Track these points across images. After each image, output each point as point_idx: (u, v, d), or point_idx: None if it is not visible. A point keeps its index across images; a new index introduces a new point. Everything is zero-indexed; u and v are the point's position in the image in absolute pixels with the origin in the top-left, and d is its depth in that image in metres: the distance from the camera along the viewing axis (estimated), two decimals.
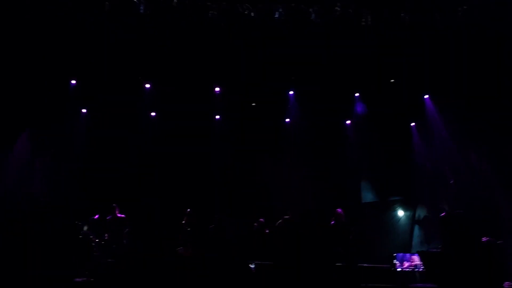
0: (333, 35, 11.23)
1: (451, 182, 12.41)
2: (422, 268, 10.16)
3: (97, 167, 12.81)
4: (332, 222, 11.16)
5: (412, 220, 13.12)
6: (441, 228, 11.29)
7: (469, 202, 11.49)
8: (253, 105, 13.83)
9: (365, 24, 10.98)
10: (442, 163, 12.65)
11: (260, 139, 13.84)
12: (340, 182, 13.70)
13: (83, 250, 10.38)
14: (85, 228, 11.40)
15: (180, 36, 11.44)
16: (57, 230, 9.91)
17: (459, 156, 12.16)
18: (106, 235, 11.03)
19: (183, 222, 11.42)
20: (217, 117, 14.12)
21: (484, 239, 9.92)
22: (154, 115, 13.80)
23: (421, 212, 13.09)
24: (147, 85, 12.94)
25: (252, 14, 10.66)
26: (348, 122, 14.39)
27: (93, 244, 10.79)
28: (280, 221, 11.10)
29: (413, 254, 10.60)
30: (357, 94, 13.62)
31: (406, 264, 10.33)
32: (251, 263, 9.78)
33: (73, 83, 12.43)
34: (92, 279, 8.96)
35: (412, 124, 13.78)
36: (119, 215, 11.31)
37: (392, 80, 12.73)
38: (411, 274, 10.23)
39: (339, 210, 11.20)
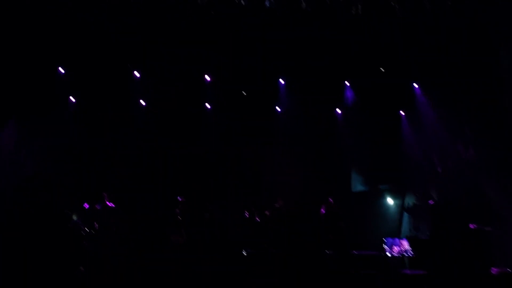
0: (323, 23, 11.20)
1: (439, 170, 12.54)
2: (411, 254, 10.29)
3: (86, 156, 12.74)
4: (322, 211, 11.28)
5: (401, 208, 13.22)
6: (430, 216, 11.46)
7: (457, 190, 11.63)
8: (244, 94, 13.78)
9: (355, 13, 10.95)
10: (430, 151, 12.74)
11: (250, 128, 13.82)
12: (330, 171, 13.74)
13: (73, 240, 10.36)
14: (75, 217, 11.35)
15: (170, 25, 11.34)
16: (46, 219, 9.91)
17: (447, 144, 12.25)
18: (95, 224, 11.01)
19: (177, 210, 11.46)
20: (208, 106, 14.08)
21: (471, 226, 10.08)
22: (144, 104, 13.72)
23: (410, 200, 13.17)
24: (136, 74, 12.84)
25: (243, 2, 10.58)
26: (338, 110, 14.41)
27: (83, 233, 10.76)
28: (271, 209, 11.24)
29: (402, 239, 10.70)
30: (347, 83, 13.63)
31: (395, 249, 10.45)
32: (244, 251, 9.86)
33: (61, 71, 12.31)
34: (81, 269, 8.96)
35: (402, 112, 13.84)
36: (108, 203, 11.30)
37: (381, 69, 12.73)
38: (400, 259, 10.33)
39: (329, 199, 11.33)
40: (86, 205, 11.24)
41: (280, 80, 13.53)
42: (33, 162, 12.06)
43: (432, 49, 11.67)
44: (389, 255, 10.42)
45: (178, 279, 8.68)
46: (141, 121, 13.33)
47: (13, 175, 11.55)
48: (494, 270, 9.05)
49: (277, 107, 14.25)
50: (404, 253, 10.37)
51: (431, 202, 11.93)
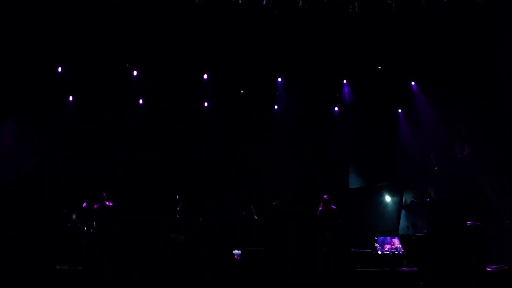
0: (320, 22, 11.21)
1: (435, 168, 12.58)
2: (402, 251, 10.36)
3: (84, 155, 12.77)
4: (320, 208, 11.32)
5: (399, 205, 13.28)
6: (427, 213, 11.49)
7: (454, 187, 11.68)
8: (241, 92, 13.80)
9: (353, 11, 10.96)
10: (428, 148, 12.78)
11: (249, 127, 13.86)
12: (328, 168, 13.78)
13: (71, 238, 10.39)
14: (74, 216, 11.39)
15: (170, 25, 11.35)
16: (44, 218, 9.92)
17: (444, 142, 12.30)
18: (94, 223, 11.04)
19: (176, 209, 11.50)
20: (206, 104, 14.10)
21: (469, 223, 10.11)
22: (142, 103, 13.74)
23: (408, 197, 13.24)
24: (136, 73, 12.86)
25: (240, 1, 10.59)
26: (336, 108, 14.45)
27: (81, 232, 10.80)
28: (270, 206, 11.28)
29: (393, 237, 10.76)
30: (344, 81, 13.65)
31: (387, 247, 10.52)
32: (237, 250, 9.87)
33: (60, 70, 12.31)
34: (78, 267, 8.97)
35: (399, 110, 13.88)
36: (107, 203, 11.32)
37: (379, 67, 12.75)
38: (391, 256, 10.39)
39: (325, 196, 11.37)
40: (85, 204, 11.27)
41: (278, 79, 13.55)
42: (31, 161, 12.07)
43: (430, 48, 11.70)
44: (380, 253, 10.50)
45: (177, 279, 8.70)
46: (141, 121, 13.37)
47: (11, 173, 11.57)
48: (490, 267, 9.09)
49: (275, 106, 14.29)
50: (395, 251, 10.44)
51: (428, 199, 11.99)
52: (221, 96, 13.56)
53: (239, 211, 12.02)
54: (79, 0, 10.32)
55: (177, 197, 11.92)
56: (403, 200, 13.22)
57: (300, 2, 10.62)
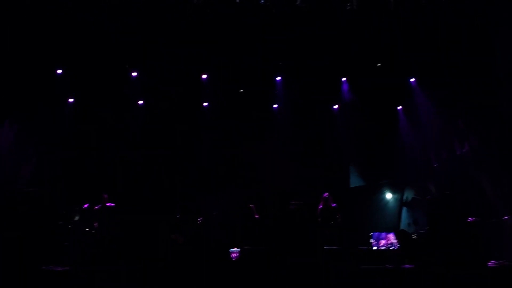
0: (319, 20, 11.23)
1: (435, 165, 12.60)
2: (398, 246, 10.36)
3: (84, 156, 12.78)
4: (320, 206, 11.32)
5: (400, 202, 13.30)
6: (428, 210, 11.52)
7: (453, 184, 11.70)
8: (241, 92, 13.82)
9: (351, 8, 10.98)
10: (428, 145, 12.80)
11: (248, 126, 13.88)
12: (328, 167, 13.79)
13: (65, 239, 10.41)
14: (76, 218, 11.41)
15: (168, 24, 11.37)
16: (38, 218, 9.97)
17: (444, 139, 12.32)
18: (95, 224, 11.05)
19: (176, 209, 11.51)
20: (205, 104, 14.12)
21: (470, 219, 10.13)
22: (142, 103, 13.76)
23: (408, 195, 13.26)
24: (135, 74, 12.88)
25: (238, 0, 10.62)
26: (335, 106, 14.46)
27: (83, 233, 10.81)
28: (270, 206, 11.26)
29: (388, 232, 10.76)
30: (344, 79, 13.67)
31: (382, 242, 10.52)
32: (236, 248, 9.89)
33: (59, 72, 12.32)
34: (72, 268, 8.98)
35: (399, 107, 13.90)
36: (108, 204, 11.33)
37: (378, 64, 12.77)
38: (389, 253, 10.38)
39: (325, 194, 11.37)
40: (86, 205, 11.28)
41: (278, 78, 13.57)
42: (31, 161, 12.08)
43: (429, 47, 11.72)
44: (375, 248, 10.50)
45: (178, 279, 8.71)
46: (141, 121, 13.39)
47: (11, 174, 11.57)
48: (491, 263, 9.10)
49: (274, 105, 14.30)
50: (390, 246, 10.45)
51: (429, 196, 12.01)
52: (220, 96, 13.58)
53: (239, 210, 12.03)
54: (79, 0, 10.33)
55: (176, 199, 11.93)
56: (404, 197, 13.24)
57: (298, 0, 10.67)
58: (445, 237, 9.91)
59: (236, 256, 9.99)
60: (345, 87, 13.66)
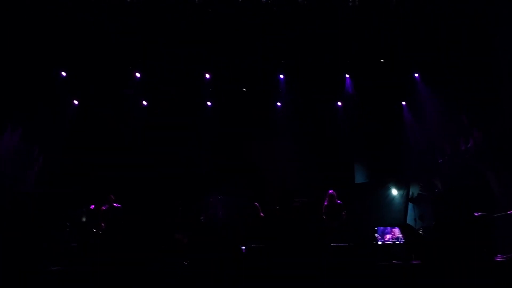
0: (321, 16, 11.19)
1: (440, 161, 12.52)
2: (403, 241, 10.31)
3: (89, 158, 12.83)
4: (325, 203, 11.27)
5: (406, 198, 13.20)
6: (434, 205, 11.45)
7: (458, 179, 11.62)
8: (244, 90, 13.82)
9: (353, 5, 10.94)
10: (432, 141, 12.71)
11: (252, 124, 13.88)
12: (333, 164, 13.74)
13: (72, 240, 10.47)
14: (83, 219, 11.48)
15: (168, 24, 11.39)
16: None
17: (448, 134, 12.24)
18: (102, 224, 11.10)
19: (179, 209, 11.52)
20: (209, 103, 14.14)
21: (476, 214, 10.04)
22: (145, 104, 13.81)
23: (414, 190, 13.18)
24: (138, 75, 12.92)
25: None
26: (339, 103, 14.42)
27: (91, 234, 10.86)
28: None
29: (393, 227, 10.72)
30: (347, 75, 13.61)
31: (387, 236, 10.48)
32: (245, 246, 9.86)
33: (64, 75, 12.39)
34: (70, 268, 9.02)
35: (403, 103, 13.82)
36: (115, 204, 11.38)
37: (381, 60, 12.71)
38: (392, 246, 10.32)
39: (331, 191, 11.31)
40: (92, 206, 11.34)
41: (280, 75, 13.54)
42: (36, 164, 12.17)
43: (429, 43, 11.65)
44: (381, 243, 10.46)
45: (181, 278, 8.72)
46: (142, 120, 13.43)
47: (17, 177, 11.67)
48: (499, 257, 9.03)
49: (278, 103, 14.29)
50: (396, 241, 10.40)
51: (436, 191, 11.93)
52: (223, 95, 13.60)
53: (244, 208, 12.01)
54: (79, 0, 10.36)
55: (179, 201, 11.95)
56: (410, 193, 13.15)
57: None
58: (451, 231, 9.83)
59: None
60: (348, 83, 13.62)
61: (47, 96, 12.17)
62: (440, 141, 12.57)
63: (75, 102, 13.17)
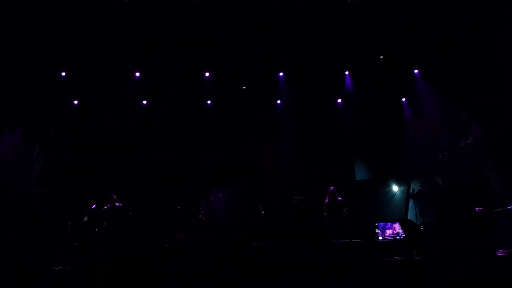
0: (319, 13, 11.21)
1: (440, 157, 12.53)
2: (403, 236, 10.33)
3: (89, 158, 12.85)
4: (326, 200, 11.30)
5: (407, 194, 13.22)
6: (435, 200, 11.46)
7: (458, 175, 11.63)
8: (244, 89, 13.84)
9: (351, 1, 10.96)
10: (432, 137, 12.73)
11: (252, 122, 13.90)
12: (333, 161, 13.76)
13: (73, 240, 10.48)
14: (85, 218, 11.49)
15: (168, 24, 11.41)
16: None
17: (448, 130, 12.26)
18: (105, 224, 11.12)
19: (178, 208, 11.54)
20: (209, 102, 14.16)
21: (477, 209, 10.07)
22: (146, 103, 13.83)
23: (415, 187, 13.18)
24: (137, 74, 12.94)
25: None
26: (339, 100, 14.44)
27: (92, 233, 10.87)
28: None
29: (394, 223, 10.74)
30: (347, 72, 13.64)
31: (387, 232, 10.50)
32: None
33: (59, 71, 12.39)
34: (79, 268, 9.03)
35: (403, 99, 13.84)
36: (117, 204, 11.40)
37: (381, 57, 12.73)
38: (393, 242, 10.34)
39: (331, 188, 11.34)
40: (94, 206, 11.36)
41: (280, 73, 13.57)
42: (36, 164, 12.19)
43: (431, 39, 11.67)
44: (381, 238, 10.47)
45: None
46: (142, 120, 13.45)
47: (16, 177, 11.67)
48: (501, 252, 9.04)
49: (278, 101, 14.31)
50: (396, 236, 10.42)
51: (436, 187, 11.94)
52: (223, 95, 13.63)
53: (245, 207, 12.02)
54: (79, 0, 10.38)
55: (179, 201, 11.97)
56: (411, 189, 13.17)
57: None
58: (453, 227, 9.85)
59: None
60: (348, 80, 13.64)
61: (47, 96, 12.17)
62: (440, 138, 12.58)
63: (75, 102, 13.18)
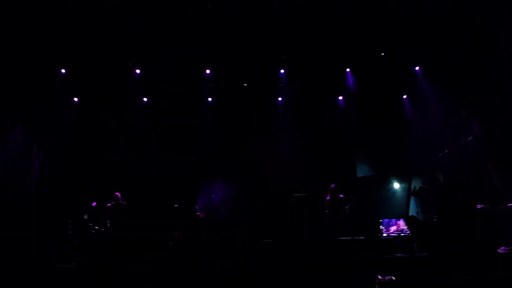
0: (320, 11, 11.20)
1: (440, 155, 12.52)
2: (408, 233, 10.33)
3: (89, 157, 12.90)
4: (328, 198, 11.29)
5: (408, 191, 13.24)
6: (436, 197, 11.46)
7: (459, 172, 11.63)
8: (245, 86, 13.85)
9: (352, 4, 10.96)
10: (433, 134, 12.72)
11: (253, 119, 13.92)
12: (335, 158, 13.77)
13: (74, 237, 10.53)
14: (85, 216, 11.55)
15: (168, 24, 11.41)
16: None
17: (448, 127, 12.25)
18: (108, 222, 11.16)
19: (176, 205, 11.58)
20: (209, 99, 14.18)
21: (479, 206, 10.07)
22: (146, 101, 13.85)
23: (416, 184, 13.20)
24: (137, 72, 12.97)
25: None
26: (340, 97, 14.43)
27: (93, 231, 10.92)
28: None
29: (398, 219, 10.74)
30: (348, 69, 13.63)
31: (392, 228, 10.52)
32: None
33: (63, 72, 12.42)
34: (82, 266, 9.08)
35: (404, 96, 13.83)
36: (120, 202, 11.44)
37: (382, 54, 12.71)
38: (397, 239, 10.35)
39: (333, 185, 11.33)
40: (94, 204, 11.40)
41: (281, 70, 13.56)
42: (37, 163, 12.23)
43: (431, 39, 11.64)
44: (386, 235, 10.48)
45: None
46: (143, 119, 13.48)
47: (16, 177, 11.72)
48: (502, 249, 9.05)
49: (279, 98, 14.31)
50: (401, 233, 10.43)
51: (437, 184, 11.94)
52: (224, 95, 13.65)
53: (246, 204, 12.04)
54: (80, 0, 10.39)
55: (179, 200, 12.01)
56: (412, 186, 13.18)
57: None
58: (454, 224, 9.85)
59: None
60: (349, 77, 13.64)
61: (48, 96, 12.20)
62: (440, 135, 12.56)
63: (76, 99, 13.21)
